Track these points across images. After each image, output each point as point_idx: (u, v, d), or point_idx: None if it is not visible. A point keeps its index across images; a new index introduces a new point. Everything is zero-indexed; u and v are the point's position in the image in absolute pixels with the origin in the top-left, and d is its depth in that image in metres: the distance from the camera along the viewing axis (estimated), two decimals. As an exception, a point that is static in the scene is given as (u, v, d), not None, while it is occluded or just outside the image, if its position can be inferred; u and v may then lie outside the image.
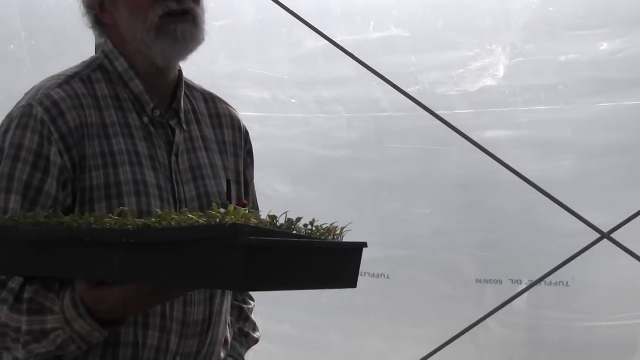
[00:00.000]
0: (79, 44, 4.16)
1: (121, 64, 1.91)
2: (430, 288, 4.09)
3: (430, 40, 3.95)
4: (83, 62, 1.97)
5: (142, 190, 1.83)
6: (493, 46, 3.86)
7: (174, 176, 1.90)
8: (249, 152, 2.13)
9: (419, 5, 3.93)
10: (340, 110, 4.15)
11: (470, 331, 3.88)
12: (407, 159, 4.09)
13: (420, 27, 3.96)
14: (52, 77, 1.90)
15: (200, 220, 1.43)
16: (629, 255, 3.59)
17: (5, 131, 1.81)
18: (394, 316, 4.08)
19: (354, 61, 3.69)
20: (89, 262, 1.52)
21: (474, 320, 3.89)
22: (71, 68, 1.95)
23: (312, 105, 4.17)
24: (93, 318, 1.62)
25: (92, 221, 1.54)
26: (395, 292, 4.06)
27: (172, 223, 1.44)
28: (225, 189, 1.96)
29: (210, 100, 2.09)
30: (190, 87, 2.06)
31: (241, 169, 2.08)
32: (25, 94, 1.88)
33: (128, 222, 1.49)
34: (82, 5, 1.94)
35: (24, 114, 1.80)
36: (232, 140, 2.08)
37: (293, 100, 4.19)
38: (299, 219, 1.55)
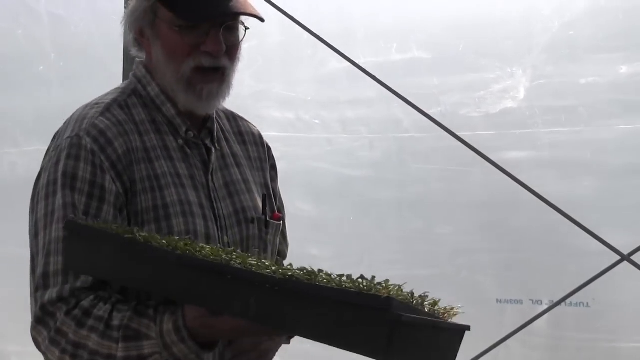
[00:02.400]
0: (107, 65, 4.23)
1: (153, 89, 1.95)
2: (452, 308, 4.09)
3: (452, 63, 3.99)
4: (116, 88, 2.01)
5: (187, 211, 1.87)
6: (514, 69, 3.89)
7: (212, 194, 1.94)
8: (273, 167, 2.18)
9: (441, 28, 3.96)
10: (363, 130, 4.19)
11: (491, 352, 3.88)
12: (429, 179, 4.12)
13: (442, 50, 4.00)
14: (92, 106, 1.93)
15: (350, 286, 1.47)
16: (650, 277, 3.60)
17: (57, 162, 1.83)
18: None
19: (376, 83, 3.73)
20: (226, 297, 1.56)
21: (495, 341, 3.90)
22: (106, 95, 1.98)
23: (335, 126, 4.21)
24: (194, 342, 1.66)
25: (234, 257, 1.59)
26: (417, 311, 4.07)
27: (318, 281, 1.49)
28: (261, 204, 2.01)
29: (232, 118, 2.14)
30: None
31: (269, 182, 2.13)
32: (66, 123, 1.92)
33: (270, 268, 1.54)
34: (124, 23, 1.97)
35: (73, 144, 1.83)
36: (257, 156, 2.13)
37: (316, 121, 4.23)
38: (424, 297, 1.57)
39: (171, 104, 1.94)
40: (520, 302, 4.01)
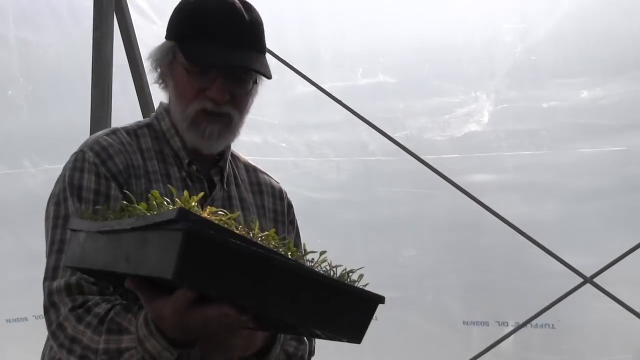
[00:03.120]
0: (75, 90, 4.22)
1: (166, 124, 2.06)
2: (418, 330, 4.11)
3: (417, 87, 4.03)
4: (136, 121, 2.13)
5: None
6: (478, 93, 3.94)
7: None
8: (291, 222, 2.23)
9: (406, 53, 4.01)
10: (330, 154, 4.22)
11: (458, 373, 3.91)
12: (396, 201, 4.15)
13: (408, 74, 4.05)
14: (102, 130, 2.07)
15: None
16: (613, 297, 3.64)
17: (64, 175, 1.96)
18: (382, 358, 4.09)
19: (342, 107, 3.77)
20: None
21: (461, 362, 3.93)
22: (121, 125, 2.10)
23: (302, 149, 4.25)
24: (162, 336, 1.62)
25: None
26: (384, 333, 4.07)
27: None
28: None
29: (252, 170, 2.22)
30: (235, 157, 2.20)
31: (279, 234, 2.05)
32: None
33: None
34: (150, 61, 2.06)
35: (77, 159, 1.96)
36: (273, 207, 2.19)
37: (283, 144, 4.26)
38: (283, 239, 1.42)
39: (179, 137, 2.04)
40: (486, 323, 4.04)
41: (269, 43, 3.74)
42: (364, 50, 4.05)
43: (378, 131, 3.75)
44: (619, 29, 3.75)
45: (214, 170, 2.07)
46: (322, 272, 1.41)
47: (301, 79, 3.80)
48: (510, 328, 3.94)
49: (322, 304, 1.38)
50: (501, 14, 3.88)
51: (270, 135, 4.24)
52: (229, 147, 2.13)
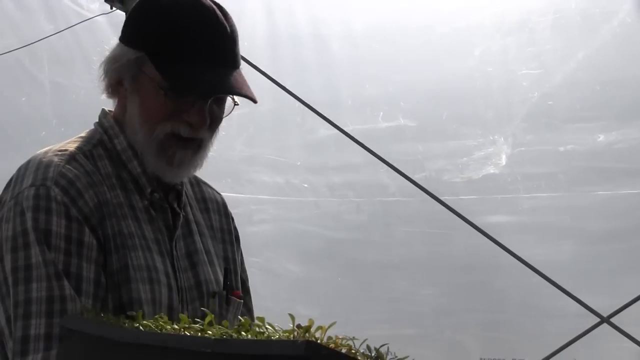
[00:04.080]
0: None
1: (120, 143, 1.72)
2: (437, 367, 4.14)
3: (436, 131, 4.12)
4: (79, 136, 1.74)
5: (154, 278, 1.67)
6: (496, 136, 4.01)
7: (175, 263, 1.75)
8: (237, 238, 1.98)
9: (425, 97, 4.09)
10: (350, 194, 4.30)
11: (476, 411, 3.93)
12: (414, 241, 4.21)
13: (427, 118, 4.13)
14: (54, 153, 1.66)
15: (277, 336, 1.15)
16: (629, 338, 3.67)
17: (21, 214, 1.57)
18: (401, 395, 4.11)
19: (363, 149, 3.85)
20: None
21: (479, 400, 3.95)
22: (68, 143, 1.71)
23: (323, 190, 4.32)
24: None
25: (177, 327, 1.28)
26: (402, 371, 4.10)
27: (250, 335, 1.18)
28: (222, 278, 1.80)
29: (196, 183, 1.94)
30: None
31: (229, 255, 1.93)
32: (21, 170, 1.64)
33: (210, 330, 1.27)
34: (102, 68, 1.72)
35: (40, 195, 1.57)
36: (220, 227, 1.94)
37: (305, 185, 4.33)
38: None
39: (138, 161, 1.71)
40: (503, 361, 4.07)
41: (292, 87, 3.84)
42: (385, 94, 4.13)
43: (398, 173, 3.81)
44: (635, 75, 3.82)
45: (172, 195, 1.77)
46: None
47: (323, 121, 3.87)
48: (528, 367, 3.97)
49: None
50: (518, 61, 3.96)
51: (292, 176, 4.32)
52: None
